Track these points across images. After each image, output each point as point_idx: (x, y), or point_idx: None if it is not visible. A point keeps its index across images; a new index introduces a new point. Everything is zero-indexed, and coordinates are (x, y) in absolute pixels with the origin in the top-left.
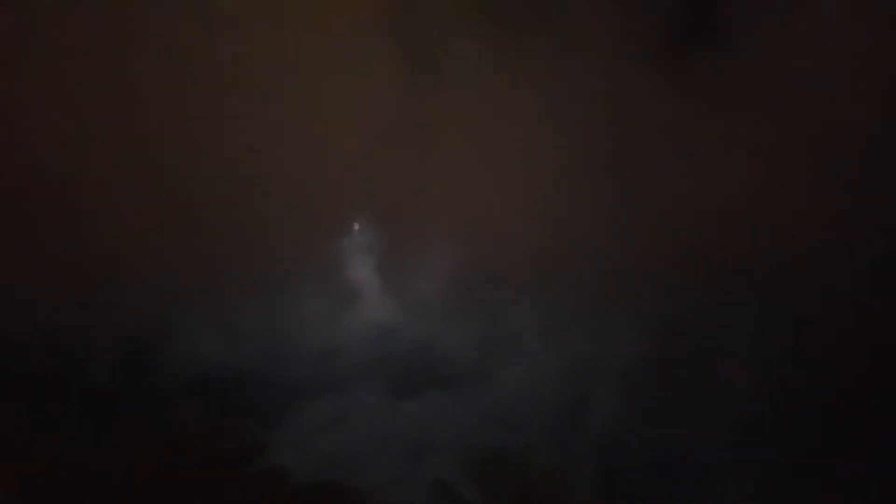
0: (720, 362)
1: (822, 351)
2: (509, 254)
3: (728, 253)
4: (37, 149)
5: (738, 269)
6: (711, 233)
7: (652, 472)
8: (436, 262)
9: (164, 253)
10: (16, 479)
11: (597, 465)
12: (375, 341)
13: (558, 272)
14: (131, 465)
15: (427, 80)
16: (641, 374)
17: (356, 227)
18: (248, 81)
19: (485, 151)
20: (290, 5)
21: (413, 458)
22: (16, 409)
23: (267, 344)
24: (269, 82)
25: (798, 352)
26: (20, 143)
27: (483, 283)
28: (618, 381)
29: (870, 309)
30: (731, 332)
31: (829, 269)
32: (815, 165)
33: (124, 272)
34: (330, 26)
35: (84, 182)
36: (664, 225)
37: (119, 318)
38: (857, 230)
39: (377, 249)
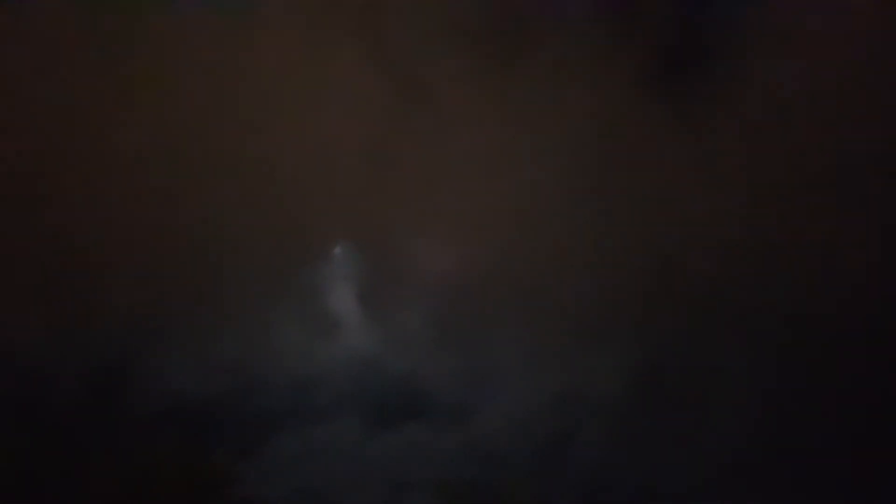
0: (710, 397)
1: (816, 386)
2: (493, 283)
3: (721, 283)
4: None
5: (732, 301)
6: (704, 264)
7: None
8: (418, 291)
9: (136, 278)
10: None
11: (581, 499)
12: (354, 372)
13: (544, 303)
14: (97, 494)
15: (412, 103)
16: (627, 408)
17: (336, 252)
18: (228, 101)
19: (470, 177)
20: (274, 24)
21: (391, 493)
22: None
23: (241, 374)
24: (249, 103)
25: (791, 386)
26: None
27: (466, 313)
28: (603, 415)
29: (870, 345)
30: (722, 366)
31: (827, 302)
32: (812, 194)
33: (95, 297)
34: (312, 46)
35: (59, 197)
36: (653, 256)
37: (88, 344)
38: (858, 261)
39: (357, 277)
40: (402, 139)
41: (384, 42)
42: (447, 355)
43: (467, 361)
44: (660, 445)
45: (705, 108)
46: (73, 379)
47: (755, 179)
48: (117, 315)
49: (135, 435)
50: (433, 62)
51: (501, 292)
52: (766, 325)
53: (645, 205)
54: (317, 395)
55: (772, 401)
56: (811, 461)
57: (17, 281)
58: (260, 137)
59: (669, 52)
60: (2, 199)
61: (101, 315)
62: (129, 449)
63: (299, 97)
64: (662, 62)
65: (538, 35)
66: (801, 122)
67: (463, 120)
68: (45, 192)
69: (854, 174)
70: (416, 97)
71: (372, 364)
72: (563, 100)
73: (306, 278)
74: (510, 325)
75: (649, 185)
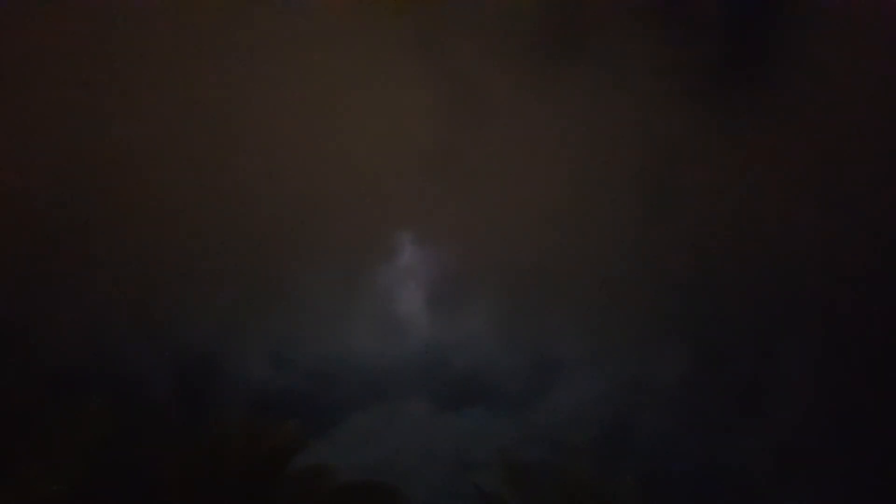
0: (765, 383)
1: (871, 373)
2: (553, 278)
3: (776, 276)
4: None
5: (786, 292)
6: (760, 257)
7: (694, 488)
8: (477, 285)
9: (216, 280)
10: (58, 465)
11: (639, 479)
12: (419, 366)
13: (603, 295)
14: (172, 461)
15: (465, 105)
16: (685, 395)
17: (398, 250)
18: (288, 107)
19: (524, 178)
20: (327, 31)
21: (456, 470)
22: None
23: (311, 364)
24: (309, 108)
25: (845, 374)
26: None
27: (528, 306)
28: (662, 402)
29: None
30: (777, 354)
31: (876, 294)
32: (856, 197)
33: (179, 298)
34: (367, 51)
35: (146, 209)
36: (710, 251)
37: (175, 337)
38: None
39: (421, 273)
40: (461, 140)
41: (442, 48)
42: (510, 346)
43: (529, 352)
44: (718, 429)
45: (751, 113)
46: (163, 375)
47: (808, 179)
48: (203, 316)
49: (214, 416)
50: (490, 69)
51: (563, 286)
52: (828, 317)
53: (701, 201)
54: (386, 383)
55: (826, 387)
56: (863, 449)
57: (116, 290)
58: (325, 144)
59: (718, 59)
60: (99, 214)
61: (190, 317)
62: (207, 428)
63: (360, 105)
64: (712, 69)
65: (589, 41)
66: (859, 129)
67: (519, 121)
68: (136, 209)
69: None
70: (478, 101)
71: (437, 357)
72: (614, 102)
73: (374, 277)
74: (570, 317)
75: (702, 182)
